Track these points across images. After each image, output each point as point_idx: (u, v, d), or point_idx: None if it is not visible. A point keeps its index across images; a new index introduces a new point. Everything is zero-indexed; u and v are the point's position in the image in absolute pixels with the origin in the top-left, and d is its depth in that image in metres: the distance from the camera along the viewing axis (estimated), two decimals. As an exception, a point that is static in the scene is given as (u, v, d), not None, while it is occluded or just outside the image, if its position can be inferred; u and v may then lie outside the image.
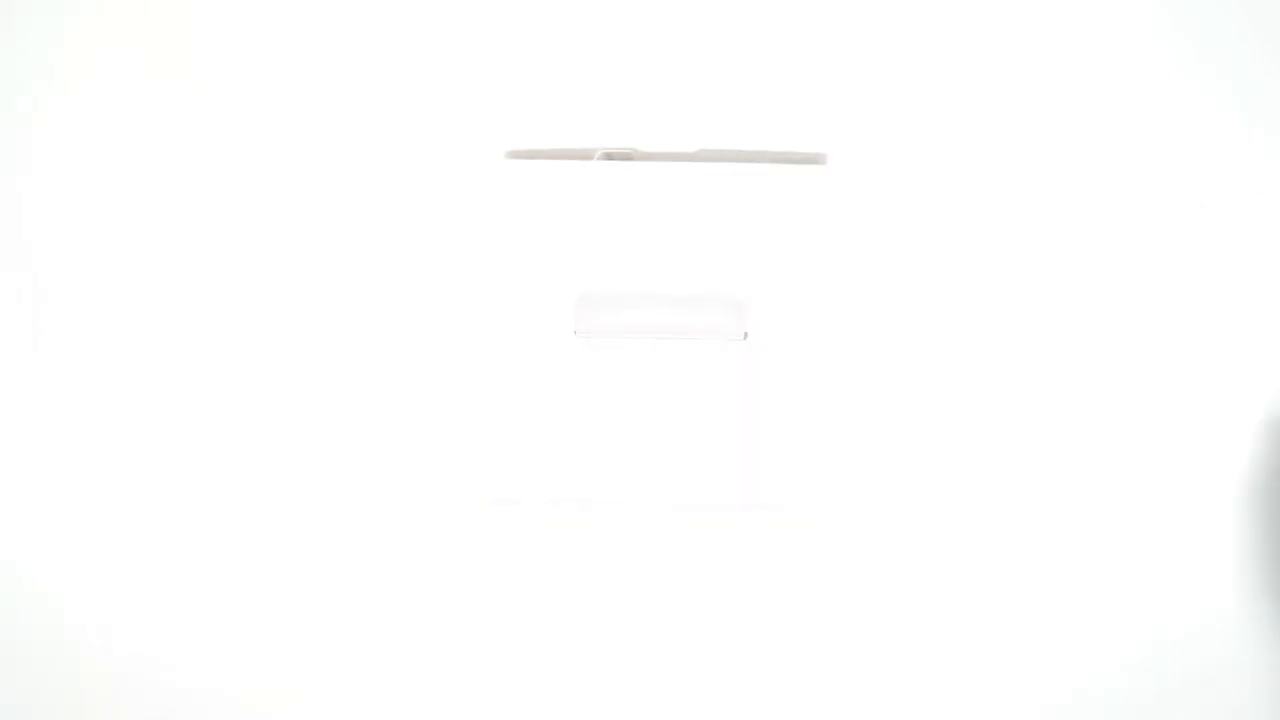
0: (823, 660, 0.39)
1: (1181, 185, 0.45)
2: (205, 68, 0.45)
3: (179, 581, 0.41)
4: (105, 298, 0.42)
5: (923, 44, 0.47)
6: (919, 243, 0.43)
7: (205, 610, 0.41)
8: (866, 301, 0.42)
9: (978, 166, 0.45)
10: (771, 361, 0.27)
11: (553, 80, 0.43)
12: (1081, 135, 0.46)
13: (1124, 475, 0.43)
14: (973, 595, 0.40)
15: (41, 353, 0.42)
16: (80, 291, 0.42)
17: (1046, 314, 0.43)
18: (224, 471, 0.42)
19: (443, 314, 0.41)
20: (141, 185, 0.43)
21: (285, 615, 0.41)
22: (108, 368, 0.42)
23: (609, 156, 0.27)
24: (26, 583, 0.40)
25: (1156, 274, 0.44)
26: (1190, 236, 0.45)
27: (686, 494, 0.26)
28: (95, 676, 0.40)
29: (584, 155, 0.27)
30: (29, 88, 0.44)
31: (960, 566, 0.41)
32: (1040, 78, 0.46)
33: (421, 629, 0.41)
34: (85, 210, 0.43)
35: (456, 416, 0.40)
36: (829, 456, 0.30)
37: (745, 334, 0.26)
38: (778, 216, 0.27)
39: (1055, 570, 0.42)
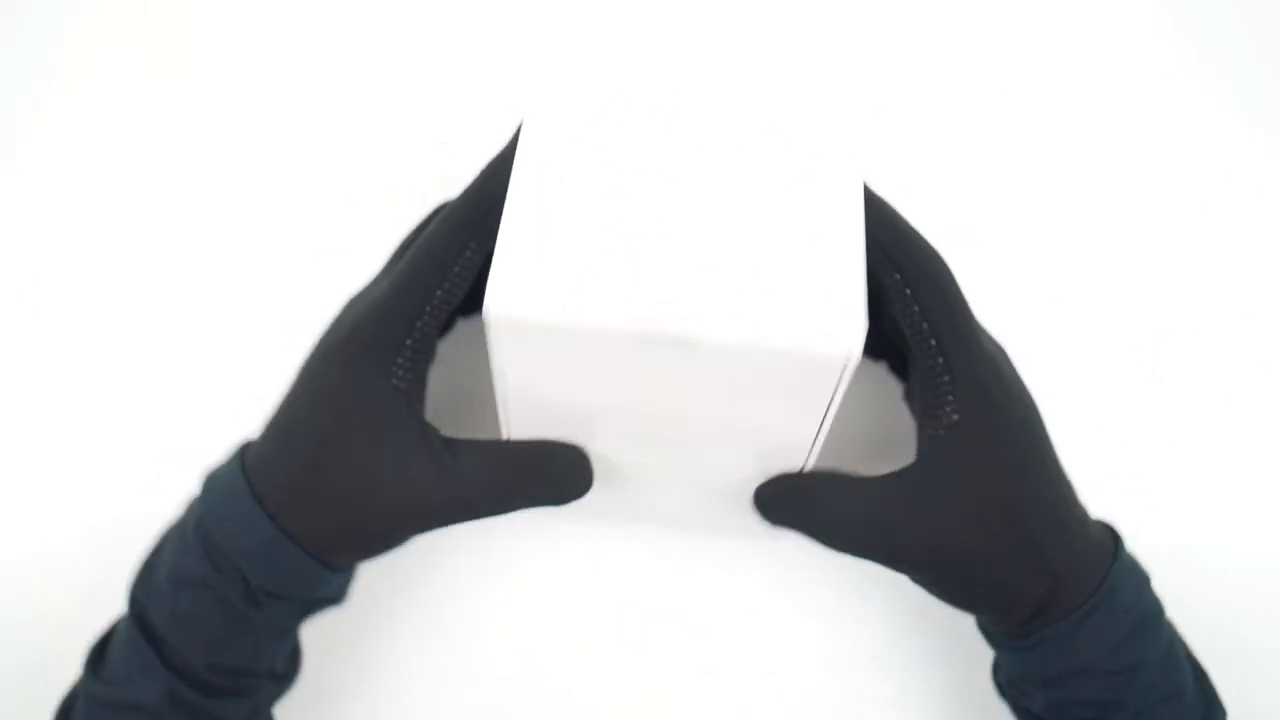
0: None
1: (1181, 185, 0.45)
2: (205, 68, 0.45)
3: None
4: (105, 297, 0.42)
5: (923, 44, 0.47)
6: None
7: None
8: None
9: (978, 166, 0.45)
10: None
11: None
12: (1082, 135, 0.46)
13: (1119, 479, 0.43)
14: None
15: (41, 352, 0.42)
16: (80, 291, 0.42)
17: (1047, 311, 0.43)
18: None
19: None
20: (141, 185, 0.43)
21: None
22: (107, 367, 0.42)
23: None
24: (24, 582, 0.40)
25: (1156, 273, 0.44)
26: (1190, 236, 0.45)
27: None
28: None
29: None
30: (29, 88, 0.44)
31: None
32: (1041, 78, 0.47)
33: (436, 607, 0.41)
34: (85, 210, 0.43)
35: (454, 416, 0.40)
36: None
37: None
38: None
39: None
